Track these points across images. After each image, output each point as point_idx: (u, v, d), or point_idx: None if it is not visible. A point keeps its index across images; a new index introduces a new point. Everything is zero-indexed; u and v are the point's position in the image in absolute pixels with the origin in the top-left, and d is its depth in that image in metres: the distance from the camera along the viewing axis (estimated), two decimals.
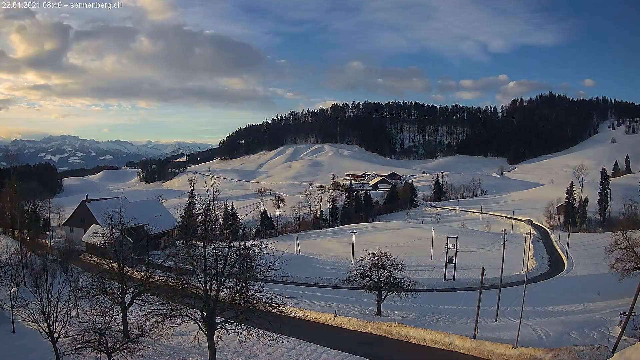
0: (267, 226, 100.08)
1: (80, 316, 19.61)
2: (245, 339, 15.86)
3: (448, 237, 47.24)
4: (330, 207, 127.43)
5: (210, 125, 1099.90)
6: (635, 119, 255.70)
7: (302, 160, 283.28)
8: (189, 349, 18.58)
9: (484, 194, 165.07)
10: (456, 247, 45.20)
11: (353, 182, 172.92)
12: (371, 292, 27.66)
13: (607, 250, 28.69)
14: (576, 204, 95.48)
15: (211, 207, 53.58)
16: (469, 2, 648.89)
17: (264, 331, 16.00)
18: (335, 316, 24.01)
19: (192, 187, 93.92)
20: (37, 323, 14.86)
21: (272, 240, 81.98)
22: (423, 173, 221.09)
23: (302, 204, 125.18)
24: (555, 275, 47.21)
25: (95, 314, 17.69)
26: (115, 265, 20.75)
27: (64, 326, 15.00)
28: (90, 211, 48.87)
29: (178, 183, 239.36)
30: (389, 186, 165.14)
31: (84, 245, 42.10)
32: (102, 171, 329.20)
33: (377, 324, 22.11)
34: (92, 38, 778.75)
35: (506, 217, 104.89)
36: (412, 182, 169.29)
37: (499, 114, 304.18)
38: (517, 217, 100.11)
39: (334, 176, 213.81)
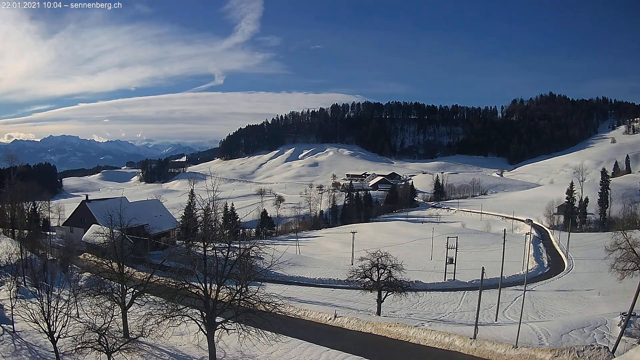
0: (267, 226, 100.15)
1: (80, 316, 19.62)
2: (245, 339, 15.87)
3: (448, 237, 47.27)
4: (330, 207, 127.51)
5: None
6: (635, 119, 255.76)
7: (302, 160, 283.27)
8: (189, 349, 18.59)
9: (484, 194, 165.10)
10: (456, 247, 45.22)
11: (353, 182, 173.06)
12: (371, 292, 27.63)
13: (607, 250, 28.68)
14: (576, 204, 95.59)
15: (211, 207, 53.59)
16: None
17: (264, 331, 16.00)
18: (335, 316, 23.98)
19: (192, 187, 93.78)
20: (37, 323, 14.86)
21: (272, 240, 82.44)
22: (423, 173, 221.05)
23: (302, 204, 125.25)
24: (555, 275, 47.22)
25: (95, 314, 17.68)
26: (115, 265, 20.74)
27: (64, 326, 15.00)
28: (90, 211, 48.78)
29: (178, 183, 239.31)
30: (389, 186, 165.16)
31: (84, 245, 42.07)
32: (102, 171, 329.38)
33: (377, 324, 22.08)
34: None
35: (506, 217, 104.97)
36: (412, 182, 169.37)
37: (499, 114, 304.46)
38: (517, 217, 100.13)
39: (334, 176, 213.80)
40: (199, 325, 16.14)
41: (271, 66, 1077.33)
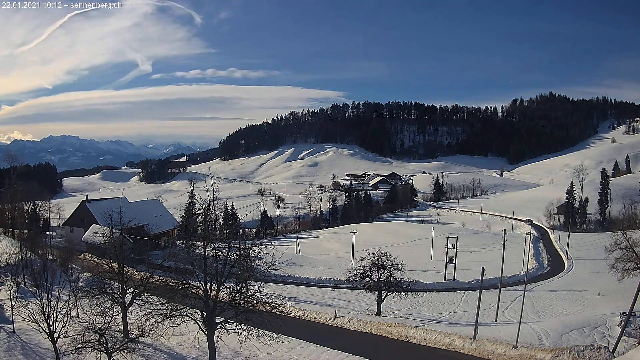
0: (267, 226, 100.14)
1: (80, 316, 19.60)
2: (245, 339, 15.87)
3: (448, 237, 47.31)
4: (330, 207, 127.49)
5: None
6: (635, 119, 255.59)
7: (302, 160, 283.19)
8: (189, 349, 18.60)
9: (484, 194, 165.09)
10: (456, 247, 45.26)
11: (353, 182, 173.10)
12: (371, 292, 27.65)
13: (607, 250, 28.67)
14: (576, 204, 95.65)
15: (211, 207, 53.59)
16: None
17: (264, 331, 16.00)
18: (335, 316, 23.98)
19: (192, 187, 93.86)
20: (37, 323, 14.86)
21: (272, 240, 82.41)
22: (423, 173, 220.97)
23: (302, 204, 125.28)
24: (555, 275, 47.27)
25: (95, 314, 17.66)
26: (115, 265, 20.73)
27: (64, 326, 14.99)
28: (90, 211, 48.77)
29: (178, 183, 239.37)
30: (389, 186, 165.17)
31: (84, 245, 42.07)
32: (102, 171, 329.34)
33: (377, 324, 22.10)
34: None
35: (506, 217, 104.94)
36: (412, 182, 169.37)
37: (499, 114, 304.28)
38: (517, 217, 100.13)
39: (334, 176, 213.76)
40: (199, 325, 16.15)
41: (194, 44, 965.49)
